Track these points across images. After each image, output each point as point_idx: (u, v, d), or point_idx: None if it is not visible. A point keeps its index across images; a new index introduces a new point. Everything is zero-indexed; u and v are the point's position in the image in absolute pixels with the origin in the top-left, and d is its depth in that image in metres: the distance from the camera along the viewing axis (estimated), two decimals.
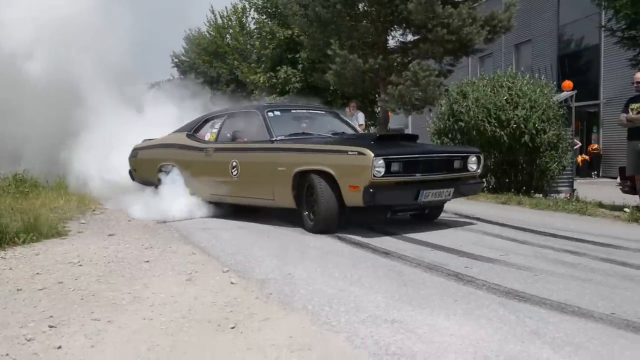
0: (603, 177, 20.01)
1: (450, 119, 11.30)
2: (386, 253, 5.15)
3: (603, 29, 9.87)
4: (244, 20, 30.19)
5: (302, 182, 6.35)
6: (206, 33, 30.67)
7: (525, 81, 11.41)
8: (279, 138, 6.87)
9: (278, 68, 23.03)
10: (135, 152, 9.49)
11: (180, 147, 8.31)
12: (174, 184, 8.00)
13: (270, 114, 7.30)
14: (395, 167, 5.83)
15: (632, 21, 8.66)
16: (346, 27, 17.02)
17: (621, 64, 10.67)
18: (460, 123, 10.81)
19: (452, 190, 6.28)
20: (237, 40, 29.34)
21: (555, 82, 18.24)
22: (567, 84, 18.53)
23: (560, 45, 23.91)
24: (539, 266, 4.60)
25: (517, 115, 10.31)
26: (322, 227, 6.17)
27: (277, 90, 22.19)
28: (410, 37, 18.03)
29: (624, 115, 7.77)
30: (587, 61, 22.55)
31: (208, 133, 8.14)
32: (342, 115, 9.03)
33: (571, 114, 17.83)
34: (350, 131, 7.99)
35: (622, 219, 7.55)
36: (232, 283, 4.16)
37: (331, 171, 5.96)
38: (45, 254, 5.17)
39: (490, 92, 11.05)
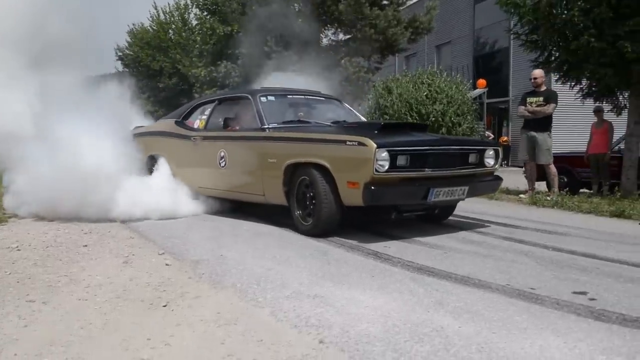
0: (512, 166, 20.71)
1: (377, 112, 11.50)
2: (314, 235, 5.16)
3: (511, 33, 10.12)
4: (186, 16, 29.55)
5: (295, 176, 5.29)
6: (149, 28, 29.82)
7: (443, 79, 11.70)
8: (271, 126, 5.78)
9: (218, 62, 22.67)
10: None
11: (168, 135, 7.26)
12: (161, 175, 6.99)
13: (263, 99, 6.20)
14: (401, 160, 4.68)
15: (533, 27, 8.97)
16: (282, 25, 16.95)
17: (526, 64, 11.04)
18: (386, 116, 11.01)
19: (466, 188, 5.11)
20: (180, 36, 28.72)
21: (470, 81, 18.79)
22: (481, 82, 19.10)
23: (475, 47, 24.56)
24: (449, 245, 4.76)
25: (435, 109, 10.60)
26: (321, 231, 5.04)
27: (218, 84, 21.85)
28: (341, 36, 18.17)
29: (522, 107, 8.32)
30: (498, 62, 23.25)
31: (197, 120, 7.10)
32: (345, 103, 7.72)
33: (483, 109, 18.38)
34: (353, 120, 6.74)
35: (524, 203, 7.95)
36: (166, 264, 4.09)
37: (326, 164, 4.88)
38: None
39: (413, 88, 11.29)
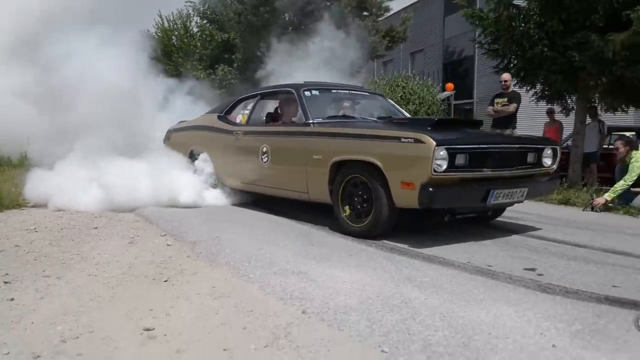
0: None
1: None
2: (300, 220, 5.16)
3: (475, 42, 10.14)
4: (188, 24, 29.27)
5: (342, 174, 4.51)
6: (154, 35, 29.48)
7: (416, 82, 11.73)
8: (315, 121, 4.98)
9: (216, 66, 22.52)
10: (169, 134, 7.54)
11: (210, 130, 6.45)
12: (203, 171, 6.37)
13: (307, 93, 5.38)
14: (460, 159, 3.88)
15: (495, 37, 8.99)
16: (273, 33, 16.87)
17: (489, 70, 11.09)
18: None
19: (526, 190, 4.31)
20: (182, 41, 28.42)
21: (440, 84, 18.83)
22: (449, 85, 19.10)
23: (445, 54, 24.55)
24: (417, 227, 4.74)
25: (408, 109, 10.59)
26: (378, 233, 4.26)
27: (216, 85, 21.72)
28: (326, 43, 18.07)
29: (490, 107, 8.32)
30: (464, 68, 23.26)
31: (240, 115, 6.27)
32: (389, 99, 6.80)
33: (451, 109, 18.44)
34: (399, 116, 5.93)
35: None
36: (168, 245, 4.09)
37: (377, 162, 4.07)
38: (5, 222, 4.87)
39: (389, 90, 11.31)
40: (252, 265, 3.44)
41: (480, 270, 3.37)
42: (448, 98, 18.45)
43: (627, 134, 8.81)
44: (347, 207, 4.45)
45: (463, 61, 23.43)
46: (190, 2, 24.98)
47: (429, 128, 4.11)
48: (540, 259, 3.74)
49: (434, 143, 3.69)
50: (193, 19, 28.57)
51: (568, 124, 9.84)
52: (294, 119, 5.46)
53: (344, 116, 5.44)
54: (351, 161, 4.42)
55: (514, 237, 4.53)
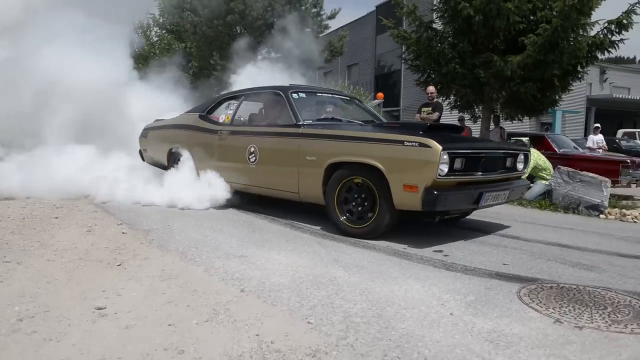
0: None
1: None
2: (246, 210, 5.12)
3: (401, 59, 10.37)
4: (148, 33, 28.34)
5: (338, 177, 4.06)
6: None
7: (351, 91, 11.84)
8: (306, 123, 4.52)
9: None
10: (146, 132, 6.81)
11: (192, 129, 5.76)
12: (184, 169, 5.63)
13: (295, 95, 4.91)
14: (457, 163, 3.60)
15: (416, 55, 9.22)
16: (226, 43, 16.61)
17: (412, 83, 11.38)
18: None
19: (507, 192, 4.10)
20: (143, 49, 27.51)
21: (372, 94, 19.13)
22: (380, 95, 19.43)
23: (376, 68, 24.96)
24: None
25: None
26: (378, 235, 3.88)
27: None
28: (273, 55, 18.00)
29: (417, 115, 8.49)
30: (393, 80, 23.72)
31: (223, 114, 5.64)
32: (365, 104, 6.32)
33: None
34: (377, 120, 5.43)
35: None
36: (123, 233, 3.96)
37: (379, 165, 3.70)
38: None
39: None
40: (198, 250, 3.40)
41: (397, 253, 3.48)
42: (378, 106, 18.80)
43: (523, 138, 9.29)
44: (345, 209, 4.03)
45: (392, 74, 23.91)
46: (151, 13, 24.21)
47: (421, 132, 3.80)
48: (448, 242, 3.88)
49: (440, 147, 3.42)
50: (153, 29, 27.72)
51: (476, 129, 10.29)
52: (278, 120, 4.97)
53: (333, 119, 4.91)
54: (349, 163, 4.00)
55: (428, 223, 4.56)
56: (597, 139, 10.66)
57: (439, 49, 8.80)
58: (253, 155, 4.86)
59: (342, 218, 4.04)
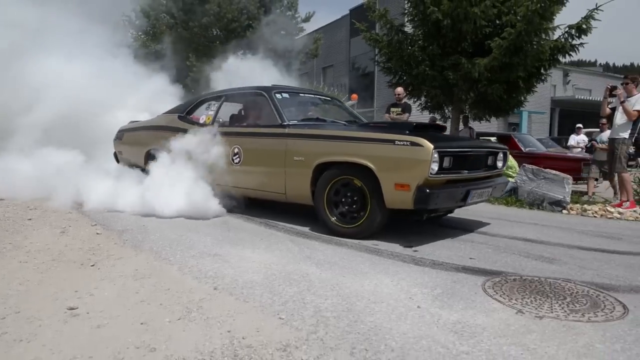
0: None
1: None
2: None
3: (374, 61, 10.45)
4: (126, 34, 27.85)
5: (327, 177, 3.96)
6: None
7: (326, 92, 11.86)
8: (291, 123, 4.38)
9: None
10: (121, 134, 6.50)
11: (172, 130, 5.43)
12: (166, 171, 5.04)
13: (278, 95, 4.74)
14: (446, 162, 3.60)
15: (388, 57, 9.30)
16: (202, 45, 16.44)
17: (385, 85, 11.47)
18: None
19: (490, 190, 4.13)
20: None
21: (347, 95, 19.20)
22: (354, 96, 19.53)
23: (350, 70, 25.08)
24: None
25: None
26: (369, 234, 3.80)
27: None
28: (249, 57, 17.91)
29: (387, 115, 8.54)
30: (367, 81, 23.89)
31: (203, 115, 5.35)
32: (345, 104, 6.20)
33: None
34: (359, 120, 5.33)
35: None
36: (97, 234, 3.88)
37: (370, 165, 3.63)
38: None
39: None
40: (173, 250, 3.35)
41: (368, 249, 3.51)
42: (352, 106, 18.90)
43: (491, 138, 9.48)
44: (332, 209, 3.96)
45: (366, 76, 24.05)
46: (126, 16, 23.75)
47: (407, 132, 3.73)
48: (418, 238, 3.93)
49: (432, 146, 3.40)
50: (130, 31, 27.24)
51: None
52: (261, 120, 4.87)
53: (317, 119, 4.80)
54: (338, 163, 3.89)
55: (396, 220, 4.55)
56: (578, 139, 10.92)
57: (410, 52, 8.90)
58: (237, 156, 4.70)
59: (333, 219, 3.94)
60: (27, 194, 5.25)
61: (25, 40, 6.78)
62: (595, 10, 8.17)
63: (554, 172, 6.40)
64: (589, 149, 10.22)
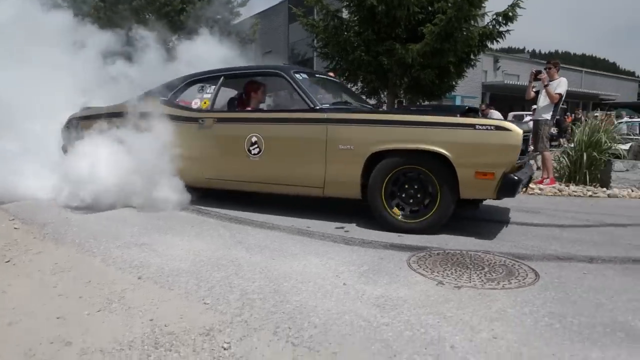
0: None
1: None
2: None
3: (311, 47, 10.45)
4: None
5: (386, 167, 3.55)
6: None
7: None
8: (325, 107, 3.89)
9: None
10: (76, 122, 5.33)
11: (156, 117, 4.57)
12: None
13: (298, 76, 4.13)
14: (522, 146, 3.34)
15: (325, 43, 9.34)
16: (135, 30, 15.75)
17: (323, 70, 11.51)
18: None
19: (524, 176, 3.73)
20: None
21: None
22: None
23: (290, 56, 24.97)
24: (256, 199, 4.60)
25: None
26: (435, 229, 3.51)
27: None
28: (184, 42, 17.41)
29: None
30: (307, 67, 23.90)
31: (198, 99, 4.56)
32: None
33: None
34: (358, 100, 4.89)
35: None
36: (15, 228, 3.63)
37: (444, 152, 3.30)
38: None
39: None
40: (97, 241, 3.21)
41: (300, 231, 3.52)
42: None
43: None
44: (390, 202, 3.59)
45: (305, 62, 24.01)
46: None
47: (458, 115, 3.58)
48: (350, 219, 3.98)
49: (521, 131, 3.20)
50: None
51: None
52: (262, 104, 4.45)
53: (346, 102, 4.39)
54: (400, 151, 3.49)
55: (330, 202, 4.38)
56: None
57: (346, 37, 8.98)
58: (255, 146, 4.03)
59: (399, 215, 3.56)
60: None
61: None
62: None
63: None
64: None
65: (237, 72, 4.72)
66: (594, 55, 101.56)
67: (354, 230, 3.60)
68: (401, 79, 8.99)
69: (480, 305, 2.18)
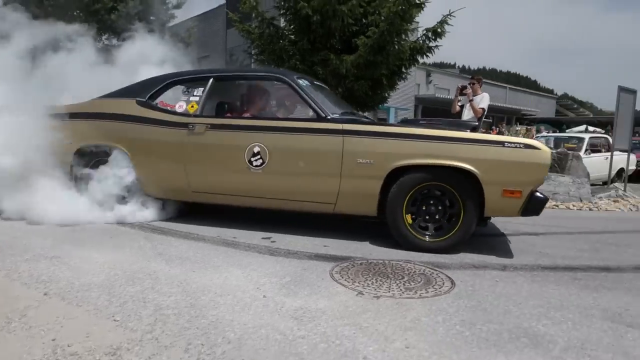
0: None
1: None
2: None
3: (247, 53, 10.36)
4: None
5: (408, 183, 3.41)
6: None
7: None
8: (334, 116, 3.65)
9: None
10: None
11: (132, 120, 4.10)
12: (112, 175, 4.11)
13: (302, 82, 3.93)
14: None
15: (261, 50, 9.30)
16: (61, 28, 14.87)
17: None
18: None
19: None
20: None
21: None
22: None
23: (228, 61, 24.58)
24: (184, 208, 4.44)
25: None
26: (453, 248, 3.44)
27: None
28: (115, 42, 16.66)
29: None
30: None
31: (182, 102, 4.09)
32: None
33: None
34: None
35: None
36: None
37: (473, 168, 3.25)
38: None
39: None
40: (3, 254, 2.96)
41: (226, 242, 3.46)
42: None
43: None
44: (410, 217, 3.46)
45: (244, 67, 23.79)
46: None
47: (468, 130, 3.56)
48: (277, 229, 3.96)
49: (549, 150, 3.25)
50: None
51: None
52: (263, 110, 4.19)
53: (352, 112, 4.19)
54: (424, 167, 3.38)
55: (254, 212, 4.40)
56: None
57: (281, 46, 8.97)
58: (258, 157, 3.70)
59: (426, 236, 3.44)
60: None
61: None
62: (449, 16, 9.02)
63: None
64: None
65: (229, 74, 4.44)
66: (518, 72, 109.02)
67: (280, 240, 3.58)
68: (336, 89, 9.09)
69: (397, 314, 2.23)
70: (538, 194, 3.31)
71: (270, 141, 3.68)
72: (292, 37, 9.02)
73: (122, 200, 4.16)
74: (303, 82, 3.94)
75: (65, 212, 3.87)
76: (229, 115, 4.21)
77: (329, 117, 3.62)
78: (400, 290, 2.58)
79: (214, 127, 3.88)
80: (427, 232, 3.45)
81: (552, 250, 3.73)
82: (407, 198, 3.43)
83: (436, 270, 2.98)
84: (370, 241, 3.62)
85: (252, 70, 4.44)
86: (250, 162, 3.71)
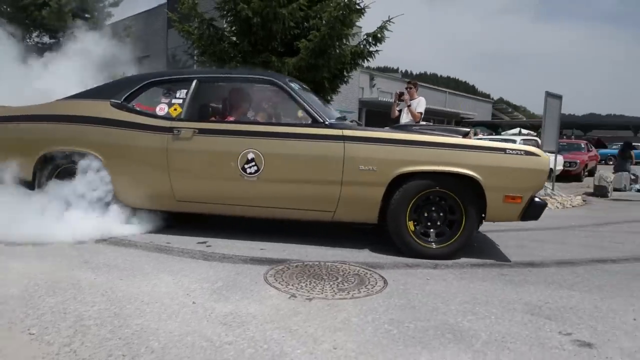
0: None
1: None
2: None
3: (188, 54, 10.15)
4: None
5: (411, 189, 3.39)
6: None
7: None
8: (334, 122, 3.59)
9: None
10: None
11: (108, 124, 3.77)
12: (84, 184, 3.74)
13: (294, 85, 3.82)
14: None
15: (202, 51, 9.13)
16: None
17: None
18: None
19: None
20: None
21: None
22: None
23: (170, 61, 23.95)
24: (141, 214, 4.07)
25: None
26: (455, 255, 3.46)
27: None
28: (46, 39, 15.78)
29: None
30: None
31: (163, 105, 3.82)
32: None
33: None
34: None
35: None
36: None
37: (475, 175, 3.30)
38: None
39: None
40: None
41: (158, 248, 3.36)
42: None
43: None
44: (413, 224, 3.45)
45: (186, 68, 23.26)
46: None
47: (461, 137, 3.57)
48: (214, 233, 3.89)
49: (548, 157, 3.39)
50: None
51: None
52: (251, 115, 3.99)
53: (344, 117, 4.12)
54: (427, 173, 3.37)
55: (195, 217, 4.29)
56: None
57: (222, 47, 8.85)
58: (252, 164, 3.53)
59: (430, 242, 3.45)
60: None
61: None
62: (388, 22, 9.25)
63: None
64: None
65: (214, 75, 4.25)
66: (457, 77, 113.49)
67: (216, 244, 3.53)
68: None
69: (327, 316, 2.25)
70: (537, 199, 3.43)
71: (266, 147, 3.54)
72: (234, 38, 8.92)
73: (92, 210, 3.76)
74: (295, 86, 3.86)
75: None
76: (213, 119, 4.00)
77: (327, 123, 3.54)
78: (334, 291, 2.60)
79: (202, 132, 3.66)
80: (430, 239, 3.47)
81: (481, 248, 3.91)
82: (410, 205, 3.42)
83: (370, 270, 3.03)
84: (307, 242, 3.64)
85: (240, 73, 4.33)
86: (244, 169, 3.55)
